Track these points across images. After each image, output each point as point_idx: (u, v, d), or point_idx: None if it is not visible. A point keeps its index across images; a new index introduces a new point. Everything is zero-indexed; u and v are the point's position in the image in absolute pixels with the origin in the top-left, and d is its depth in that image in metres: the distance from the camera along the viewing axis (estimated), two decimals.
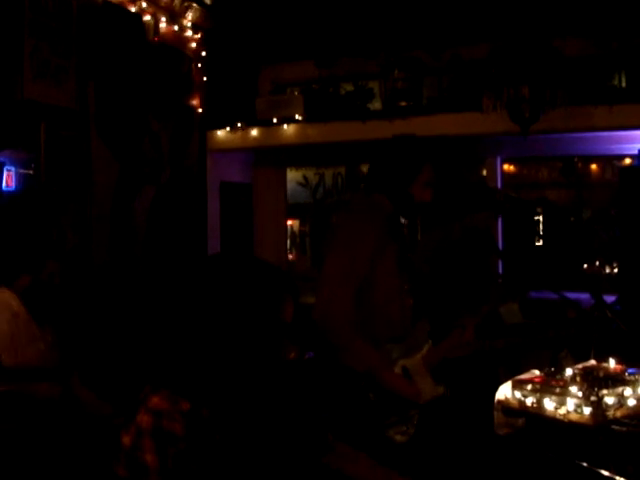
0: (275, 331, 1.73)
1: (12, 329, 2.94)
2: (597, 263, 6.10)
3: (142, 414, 1.63)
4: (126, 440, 1.63)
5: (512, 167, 6.80)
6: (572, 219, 6.60)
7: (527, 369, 2.58)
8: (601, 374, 2.48)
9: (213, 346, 1.70)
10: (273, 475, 1.74)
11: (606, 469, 2.02)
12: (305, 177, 7.27)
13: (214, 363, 1.70)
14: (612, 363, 2.62)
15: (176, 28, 5.80)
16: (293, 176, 7.29)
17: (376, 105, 6.09)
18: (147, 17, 5.44)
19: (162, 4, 5.60)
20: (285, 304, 1.76)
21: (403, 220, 3.09)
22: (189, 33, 6.00)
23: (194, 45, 6.07)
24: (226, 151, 6.44)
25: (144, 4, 5.37)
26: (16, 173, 4.27)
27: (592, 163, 6.59)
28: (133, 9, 5.29)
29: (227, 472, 1.67)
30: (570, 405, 2.21)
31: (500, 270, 6.20)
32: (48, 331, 3.09)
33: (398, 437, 2.77)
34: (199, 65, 6.15)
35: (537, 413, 2.30)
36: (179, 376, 1.69)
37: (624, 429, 2.17)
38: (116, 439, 1.67)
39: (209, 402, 1.68)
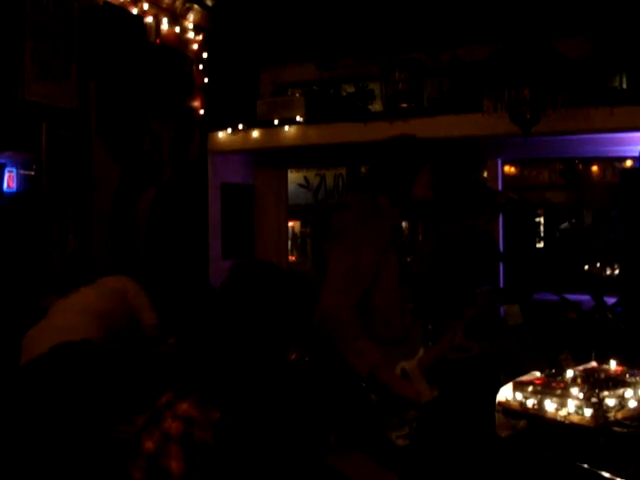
0: (300, 337, 1.76)
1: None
2: (598, 265, 6.09)
3: (169, 420, 1.61)
4: (149, 445, 1.61)
5: (513, 169, 6.80)
6: (573, 221, 6.60)
7: (528, 371, 2.58)
8: (602, 376, 2.48)
9: (245, 354, 1.70)
10: (277, 476, 1.74)
11: (607, 470, 2.02)
12: (306, 178, 7.27)
13: (244, 370, 1.69)
14: (613, 365, 2.62)
15: (177, 30, 5.80)
16: (294, 177, 7.29)
17: (377, 106, 6.10)
18: (148, 18, 5.45)
19: (163, 6, 5.61)
20: (311, 312, 1.79)
21: (404, 223, 3.10)
22: (190, 35, 6.01)
23: (195, 46, 6.07)
24: (227, 152, 6.44)
25: (145, 5, 5.37)
26: (17, 174, 4.27)
27: (593, 165, 6.59)
28: (134, 10, 5.29)
29: (244, 476, 1.67)
30: (571, 407, 2.21)
31: (501, 272, 6.21)
32: None
33: (400, 441, 2.78)
34: (200, 66, 6.15)
35: (538, 415, 2.30)
36: (208, 383, 1.67)
37: (625, 430, 2.17)
38: (135, 443, 1.65)
39: (235, 410, 1.67)
